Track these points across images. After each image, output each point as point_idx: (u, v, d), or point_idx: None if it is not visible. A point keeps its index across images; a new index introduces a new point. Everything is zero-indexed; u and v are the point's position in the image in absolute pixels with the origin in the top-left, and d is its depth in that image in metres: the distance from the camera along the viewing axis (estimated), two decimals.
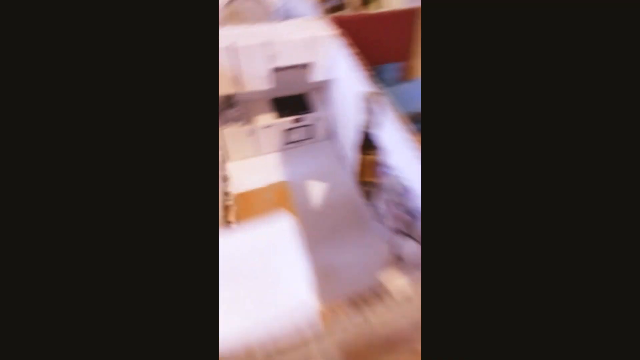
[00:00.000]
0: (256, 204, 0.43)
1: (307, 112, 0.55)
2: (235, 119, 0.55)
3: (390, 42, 0.64)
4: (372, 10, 0.86)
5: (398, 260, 0.41)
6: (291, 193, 0.47)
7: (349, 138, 0.50)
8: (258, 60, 0.46)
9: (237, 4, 0.58)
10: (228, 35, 0.45)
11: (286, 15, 0.63)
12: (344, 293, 0.40)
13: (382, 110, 0.38)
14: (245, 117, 0.55)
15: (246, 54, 0.45)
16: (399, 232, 0.38)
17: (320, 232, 0.46)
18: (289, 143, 0.57)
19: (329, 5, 0.64)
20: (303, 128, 0.55)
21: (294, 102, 0.57)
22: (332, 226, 0.46)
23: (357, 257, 0.43)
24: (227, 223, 0.40)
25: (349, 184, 0.53)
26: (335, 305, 0.32)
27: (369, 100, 0.38)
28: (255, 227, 0.26)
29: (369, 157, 0.52)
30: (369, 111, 0.37)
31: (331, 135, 0.60)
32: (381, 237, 0.44)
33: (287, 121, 0.54)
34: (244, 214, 0.42)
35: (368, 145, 0.46)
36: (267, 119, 0.54)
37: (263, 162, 0.58)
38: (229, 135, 0.55)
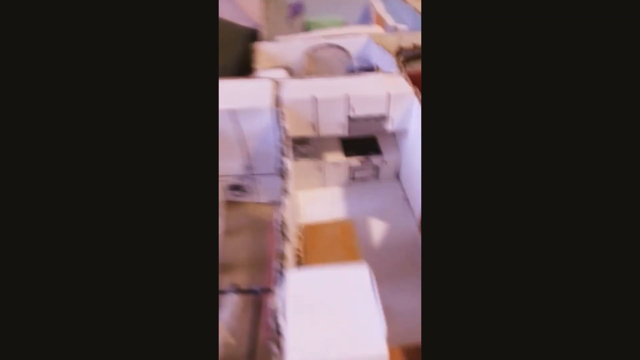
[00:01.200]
0: (322, 238, 0.46)
1: (375, 154, 0.58)
2: (306, 154, 0.59)
3: None
4: None
5: None
6: (355, 231, 0.49)
7: (416, 185, 0.51)
8: (335, 111, 0.50)
9: (319, 51, 0.64)
10: (310, 87, 0.50)
11: (363, 61, 0.67)
12: (396, 339, 0.40)
13: None
14: (316, 154, 0.59)
15: (325, 105, 0.49)
16: None
17: (379, 272, 0.47)
18: (353, 179, 0.60)
19: (404, 55, 0.67)
20: (369, 168, 0.58)
21: (363, 144, 0.60)
22: (391, 268, 0.47)
23: (413, 304, 0.43)
24: (296, 252, 0.43)
25: (411, 227, 0.54)
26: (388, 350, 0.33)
27: None
28: (333, 271, 0.28)
29: None
30: None
31: (397, 177, 0.62)
32: None
33: (355, 160, 0.57)
34: (311, 245, 0.45)
35: None
36: (336, 156, 0.58)
37: (328, 195, 0.61)
38: (298, 169, 0.59)
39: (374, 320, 0.23)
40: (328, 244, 0.45)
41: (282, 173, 0.36)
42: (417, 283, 0.46)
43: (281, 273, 0.27)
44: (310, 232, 0.47)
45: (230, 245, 0.51)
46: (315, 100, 0.46)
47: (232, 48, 0.72)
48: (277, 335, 0.22)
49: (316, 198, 0.59)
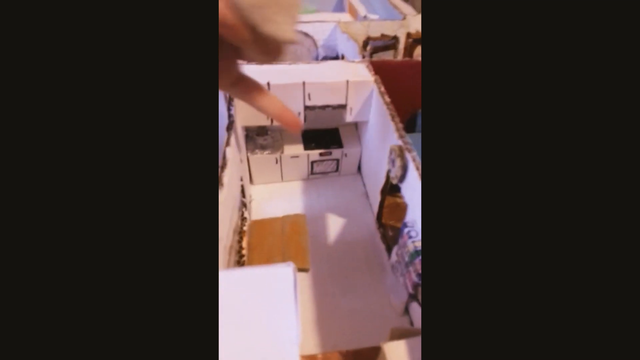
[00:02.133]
0: (270, 234, 0.43)
1: (335, 147, 0.55)
2: (264, 147, 0.55)
3: None
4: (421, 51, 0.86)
5: (404, 317, 0.38)
6: (307, 227, 0.46)
7: (374, 180, 0.48)
8: (291, 99, 0.47)
9: None
10: (266, 71, 0.46)
11: (329, 50, 0.64)
12: (343, 343, 0.38)
13: (405, 165, 0.37)
14: (274, 146, 0.56)
15: (280, 92, 0.45)
16: (407, 290, 0.36)
17: (332, 270, 0.44)
18: (313, 174, 0.57)
19: (373, 45, 0.64)
20: (329, 161, 0.55)
21: (323, 135, 0.57)
22: (345, 266, 0.44)
23: (366, 306, 0.41)
24: (239, 250, 0.39)
25: (369, 223, 0.51)
26: (329, 355, 0.31)
27: (393, 153, 0.37)
28: (254, 272, 0.25)
29: (392, 200, 0.50)
30: (394, 163, 0.36)
31: (356, 171, 0.59)
32: (393, 289, 0.42)
33: (315, 153, 0.54)
34: (256, 242, 0.42)
35: (392, 188, 0.45)
36: (296, 149, 0.54)
37: (285, 189, 0.58)
38: (255, 162, 0.55)
39: (290, 326, 0.21)
40: (276, 241, 0.42)
41: (221, 164, 0.33)
42: (369, 282, 0.43)
43: None
44: (258, 228, 0.44)
45: None
46: (268, 86, 0.43)
47: None
48: None
49: (273, 193, 0.56)
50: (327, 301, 0.40)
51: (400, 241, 0.36)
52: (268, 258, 0.38)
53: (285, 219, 0.41)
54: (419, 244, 0.33)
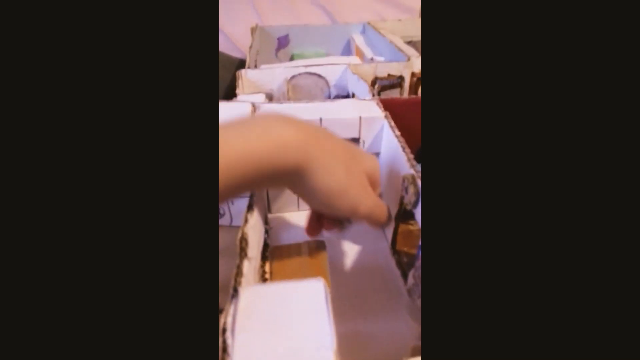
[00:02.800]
0: (290, 259, 0.44)
1: None
2: None
3: None
4: None
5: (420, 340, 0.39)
6: (325, 252, 0.48)
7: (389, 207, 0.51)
8: None
9: (298, 79, 0.66)
10: (286, 110, 0.50)
11: (340, 89, 0.69)
12: None
13: (418, 192, 0.39)
14: None
15: None
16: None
17: (350, 294, 0.45)
18: None
19: (381, 84, 0.69)
20: None
21: None
22: (363, 290, 0.45)
23: (385, 328, 0.41)
24: (262, 274, 0.41)
25: (384, 251, 0.53)
26: None
27: (406, 181, 0.39)
28: (287, 286, 0.27)
29: (406, 227, 0.52)
30: (406, 190, 0.39)
31: None
32: (410, 312, 0.43)
33: None
34: (278, 267, 0.44)
35: (406, 215, 0.47)
36: None
37: (302, 218, 0.60)
38: (273, 192, 0.58)
39: (324, 336, 0.22)
40: (296, 265, 0.44)
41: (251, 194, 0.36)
42: (387, 305, 0.44)
43: (235, 290, 0.26)
44: (279, 254, 0.46)
45: None
46: None
47: (222, 75, 0.73)
48: (223, 353, 0.20)
49: (290, 222, 0.59)
50: (347, 324, 0.41)
51: (417, 264, 0.37)
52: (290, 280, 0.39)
53: (303, 245, 0.43)
54: None
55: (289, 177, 0.23)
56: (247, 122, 0.22)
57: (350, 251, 0.51)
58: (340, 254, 0.50)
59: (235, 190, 0.23)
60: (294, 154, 0.21)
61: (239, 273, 0.27)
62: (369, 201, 0.28)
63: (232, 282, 0.26)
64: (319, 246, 0.46)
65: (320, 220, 0.34)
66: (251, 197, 0.35)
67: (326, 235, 0.50)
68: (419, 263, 0.37)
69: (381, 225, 0.33)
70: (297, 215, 0.60)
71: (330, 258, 0.50)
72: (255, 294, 0.25)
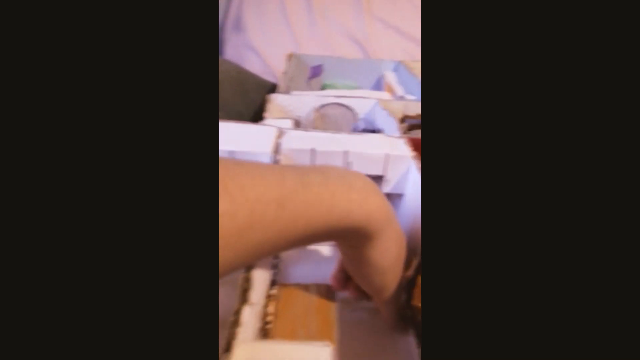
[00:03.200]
0: (297, 302, 0.40)
1: None
2: None
3: None
4: None
5: None
6: (335, 297, 0.43)
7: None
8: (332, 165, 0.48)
9: (327, 108, 0.64)
10: (312, 139, 0.48)
11: (368, 123, 0.67)
12: None
13: None
14: None
15: (323, 158, 0.47)
16: None
17: (357, 350, 0.40)
18: None
19: (409, 122, 0.66)
20: None
21: None
22: (370, 351, 0.40)
23: None
24: (265, 316, 0.37)
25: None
26: None
27: None
28: (289, 347, 0.23)
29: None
30: None
31: None
32: None
33: None
34: (282, 309, 0.40)
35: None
36: None
37: (313, 253, 0.56)
38: None
39: None
40: (302, 311, 0.40)
41: None
42: None
43: (228, 344, 0.22)
44: (286, 294, 0.42)
45: None
46: (314, 152, 0.44)
47: (253, 98, 0.73)
48: None
49: (301, 257, 0.55)
50: None
51: None
52: (292, 329, 0.35)
53: (312, 287, 0.39)
54: None
55: (353, 241, 0.23)
56: (341, 177, 0.21)
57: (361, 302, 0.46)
58: (348, 305, 0.46)
59: (310, 241, 0.22)
60: (380, 224, 0.21)
61: (235, 322, 0.24)
62: (394, 292, 0.30)
63: (227, 332, 0.22)
64: (329, 293, 0.42)
65: (346, 279, 0.34)
66: None
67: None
68: None
69: (385, 319, 0.34)
70: (309, 251, 0.56)
71: (339, 300, 0.45)
72: (252, 352, 0.21)
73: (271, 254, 0.19)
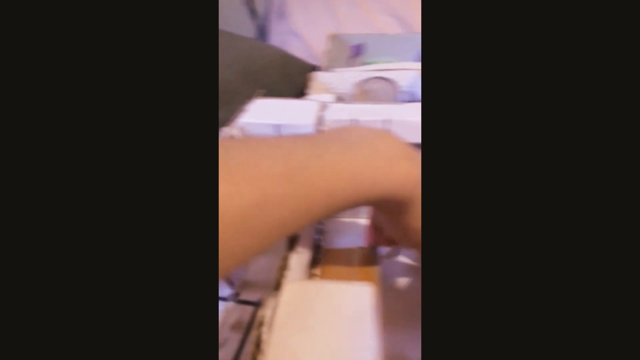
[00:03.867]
0: (341, 266, 0.42)
1: None
2: None
3: None
4: None
5: None
6: (377, 266, 0.44)
7: None
8: None
9: (369, 83, 0.64)
10: (353, 110, 0.49)
11: (411, 95, 0.66)
12: None
13: None
14: None
15: (366, 126, 0.47)
16: None
17: (398, 313, 0.41)
18: None
19: None
20: None
21: None
22: (412, 311, 0.41)
23: None
24: (312, 276, 0.39)
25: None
26: None
27: None
28: (334, 286, 0.25)
29: None
30: None
31: None
32: None
33: None
34: (328, 273, 0.42)
35: None
36: None
37: (357, 226, 0.58)
38: None
39: (368, 343, 0.19)
40: (346, 270, 0.41)
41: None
42: None
43: (278, 283, 0.25)
44: (331, 258, 0.44)
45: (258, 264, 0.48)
46: (356, 122, 0.45)
47: (296, 81, 0.75)
48: (256, 348, 0.19)
49: (344, 229, 0.56)
50: (390, 345, 0.37)
51: None
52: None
53: (357, 251, 0.41)
54: None
55: (385, 209, 0.23)
56: (363, 142, 0.19)
57: (404, 268, 0.47)
58: (392, 272, 0.46)
59: (334, 212, 0.20)
60: (410, 192, 0.20)
61: (284, 266, 0.26)
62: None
63: (276, 274, 0.25)
64: (372, 256, 0.43)
65: (379, 234, 0.34)
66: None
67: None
68: None
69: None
70: (354, 222, 0.58)
71: (380, 271, 0.46)
72: (300, 290, 0.23)
73: (292, 232, 0.18)
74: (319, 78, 0.61)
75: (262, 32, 1.15)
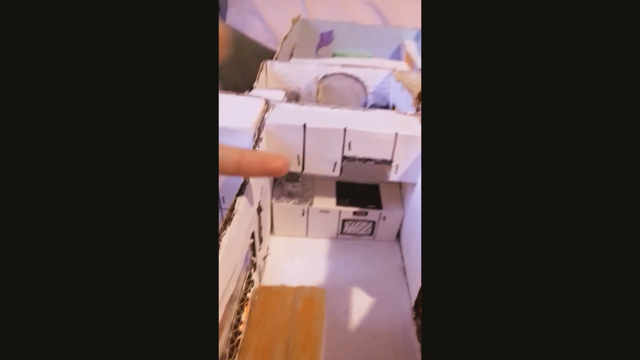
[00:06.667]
0: (278, 309, 0.35)
1: (373, 207, 0.48)
2: (292, 195, 0.50)
3: None
4: None
5: None
6: (324, 307, 0.38)
7: (416, 256, 0.40)
8: (328, 146, 0.41)
9: (332, 79, 0.57)
10: (305, 113, 0.41)
11: (379, 98, 0.59)
12: None
13: None
14: (303, 195, 0.50)
15: (315, 136, 0.40)
16: None
17: None
18: (343, 234, 0.50)
19: None
20: (364, 223, 0.48)
21: (361, 192, 0.50)
22: (368, 358, 0.35)
23: None
24: (236, 324, 0.32)
25: (403, 309, 0.42)
26: None
27: None
28: None
29: None
30: None
31: (394, 238, 0.51)
32: None
33: (348, 211, 0.47)
34: (259, 317, 0.34)
35: None
36: (326, 203, 0.48)
37: (309, 246, 0.51)
38: (279, 210, 0.49)
39: None
40: (282, 320, 0.34)
41: (231, 207, 0.27)
42: None
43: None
44: (265, 298, 0.36)
45: None
46: (306, 129, 0.38)
47: (251, 67, 0.67)
48: None
49: (295, 249, 0.49)
50: None
51: None
52: (268, 343, 0.30)
53: (299, 291, 0.33)
54: None
55: None
56: None
57: (360, 304, 0.41)
58: (345, 306, 0.40)
59: None
60: None
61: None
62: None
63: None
64: (317, 297, 0.37)
65: None
66: (243, 186, 0.27)
67: (336, 279, 0.40)
68: None
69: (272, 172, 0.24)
70: (304, 242, 0.51)
71: (331, 309, 0.39)
72: None
73: None
74: (273, 68, 0.53)
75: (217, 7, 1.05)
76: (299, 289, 0.36)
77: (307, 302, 0.35)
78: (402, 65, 0.67)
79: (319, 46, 0.82)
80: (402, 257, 0.49)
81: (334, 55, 0.84)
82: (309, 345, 0.33)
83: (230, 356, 0.28)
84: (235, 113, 0.39)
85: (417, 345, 0.35)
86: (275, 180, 0.47)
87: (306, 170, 0.43)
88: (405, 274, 0.46)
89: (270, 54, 0.73)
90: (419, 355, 0.34)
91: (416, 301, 0.38)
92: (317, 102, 0.56)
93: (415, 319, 0.38)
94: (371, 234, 0.54)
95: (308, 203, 0.48)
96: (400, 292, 0.43)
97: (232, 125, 0.37)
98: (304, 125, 0.37)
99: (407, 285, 0.44)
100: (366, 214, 0.51)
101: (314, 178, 0.52)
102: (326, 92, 0.58)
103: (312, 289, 0.36)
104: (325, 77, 0.55)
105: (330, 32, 0.83)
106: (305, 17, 0.80)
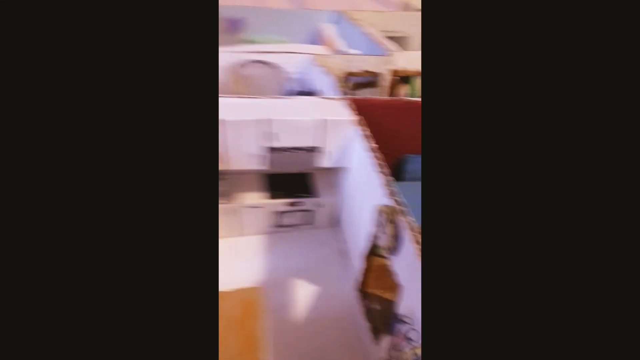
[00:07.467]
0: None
1: (308, 196, 0.48)
2: (219, 194, 0.47)
3: (418, 132, 0.59)
4: (409, 90, 0.78)
5: None
6: (263, 303, 0.37)
7: (357, 238, 0.41)
8: (251, 139, 0.39)
9: (248, 68, 0.54)
10: (227, 104, 0.39)
11: (301, 86, 0.59)
12: None
13: (398, 235, 0.29)
14: (230, 194, 0.47)
15: (236, 130, 0.38)
16: None
17: (300, 353, 0.35)
18: (280, 227, 0.49)
19: (354, 81, 0.59)
20: (301, 212, 0.47)
21: (294, 182, 0.49)
22: (317, 348, 0.35)
23: None
24: None
25: (346, 292, 0.42)
26: None
27: (384, 215, 0.30)
28: None
29: (379, 262, 0.42)
30: (383, 229, 0.29)
31: (334, 224, 0.52)
32: None
33: (281, 203, 0.46)
34: None
35: (378, 247, 0.37)
36: (257, 197, 0.46)
37: (244, 245, 0.49)
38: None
39: None
40: (223, 325, 0.32)
41: None
42: None
43: None
44: None
45: None
46: (223, 123, 0.35)
47: None
48: None
49: (229, 250, 0.47)
50: None
51: (393, 339, 0.27)
52: None
53: (235, 296, 0.31)
54: (420, 351, 0.24)
55: None
56: None
57: (303, 294, 0.40)
58: (288, 299, 0.39)
59: None
60: None
61: None
62: None
63: None
64: (254, 298, 0.35)
65: None
66: None
67: (276, 274, 0.38)
68: (397, 340, 0.26)
69: None
70: (238, 242, 0.48)
71: (275, 304, 0.38)
72: None
73: None
74: None
75: None
76: (236, 293, 0.34)
77: (246, 305, 0.33)
78: (322, 50, 0.67)
79: (226, 32, 0.78)
80: (345, 241, 0.50)
81: (247, 42, 0.81)
82: (248, 348, 0.31)
83: None
84: None
85: (366, 325, 0.36)
86: None
87: (232, 167, 0.40)
88: (348, 256, 0.47)
89: None
90: (368, 334, 0.35)
91: (360, 283, 0.39)
92: (234, 93, 0.53)
93: (362, 299, 0.39)
94: (311, 223, 0.54)
95: (237, 201, 0.45)
96: (342, 277, 0.44)
97: None
98: (222, 121, 0.34)
99: (348, 268, 0.45)
100: (302, 203, 0.51)
101: (239, 175, 0.49)
102: (243, 82, 0.55)
103: (250, 290, 0.34)
104: (240, 65, 0.52)
105: (240, 19, 0.79)
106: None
